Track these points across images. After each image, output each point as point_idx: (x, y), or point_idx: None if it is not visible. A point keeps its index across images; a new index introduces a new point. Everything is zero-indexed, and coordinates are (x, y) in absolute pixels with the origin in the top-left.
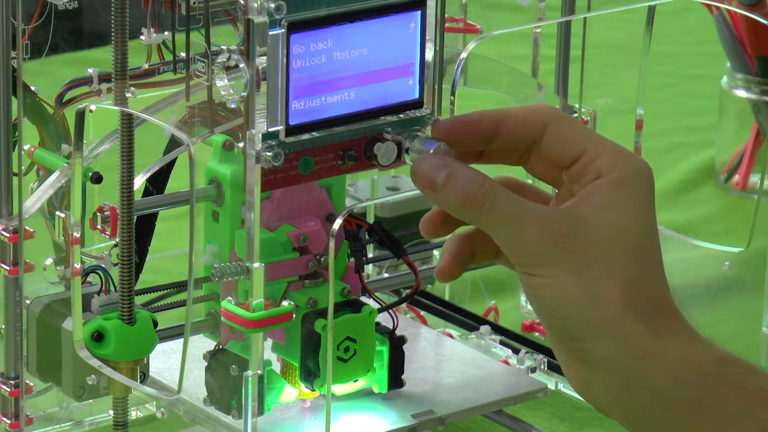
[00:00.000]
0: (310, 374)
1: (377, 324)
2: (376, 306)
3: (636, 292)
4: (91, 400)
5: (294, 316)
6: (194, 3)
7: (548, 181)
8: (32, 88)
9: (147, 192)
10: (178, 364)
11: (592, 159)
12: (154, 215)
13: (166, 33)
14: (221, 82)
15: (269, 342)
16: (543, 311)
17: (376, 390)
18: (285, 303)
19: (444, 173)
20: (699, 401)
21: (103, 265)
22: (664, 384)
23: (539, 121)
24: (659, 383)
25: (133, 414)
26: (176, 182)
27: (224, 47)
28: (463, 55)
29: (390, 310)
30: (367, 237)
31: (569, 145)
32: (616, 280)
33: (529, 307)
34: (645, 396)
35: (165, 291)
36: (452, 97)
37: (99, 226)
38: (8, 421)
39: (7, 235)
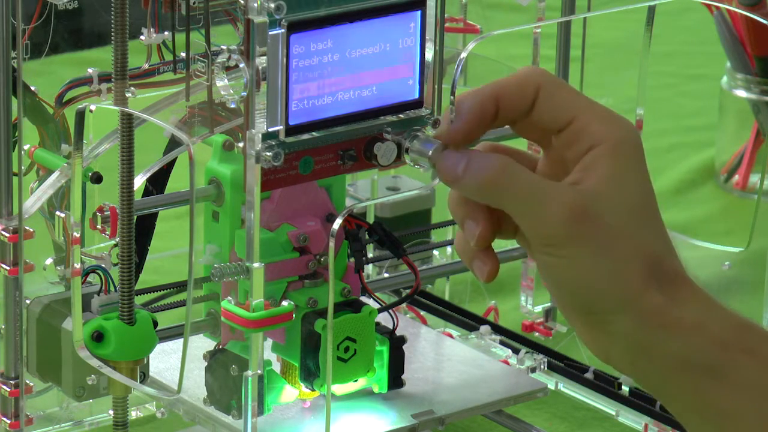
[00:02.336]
0: (310, 374)
1: (377, 324)
2: (376, 306)
3: (655, 264)
4: (91, 400)
5: (294, 316)
6: (194, 3)
7: (536, 141)
8: (32, 88)
9: (147, 192)
10: (178, 364)
11: (583, 126)
12: (154, 215)
13: (166, 33)
14: (221, 82)
15: (269, 342)
16: (561, 290)
17: (376, 390)
18: (285, 303)
19: (463, 164)
20: (716, 368)
21: (103, 265)
22: (681, 351)
23: (532, 86)
24: (676, 351)
25: (133, 414)
26: (176, 182)
27: (224, 47)
28: (463, 55)
29: (390, 310)
30: (367, 237)
31: (560, 111)
32: (638, 255)
33: (529, 306)
34: (662, 362)
35: (165, 291)
36: (452, 97)
37: (99, 226)
38: (8, 421)
39: (7, 235)
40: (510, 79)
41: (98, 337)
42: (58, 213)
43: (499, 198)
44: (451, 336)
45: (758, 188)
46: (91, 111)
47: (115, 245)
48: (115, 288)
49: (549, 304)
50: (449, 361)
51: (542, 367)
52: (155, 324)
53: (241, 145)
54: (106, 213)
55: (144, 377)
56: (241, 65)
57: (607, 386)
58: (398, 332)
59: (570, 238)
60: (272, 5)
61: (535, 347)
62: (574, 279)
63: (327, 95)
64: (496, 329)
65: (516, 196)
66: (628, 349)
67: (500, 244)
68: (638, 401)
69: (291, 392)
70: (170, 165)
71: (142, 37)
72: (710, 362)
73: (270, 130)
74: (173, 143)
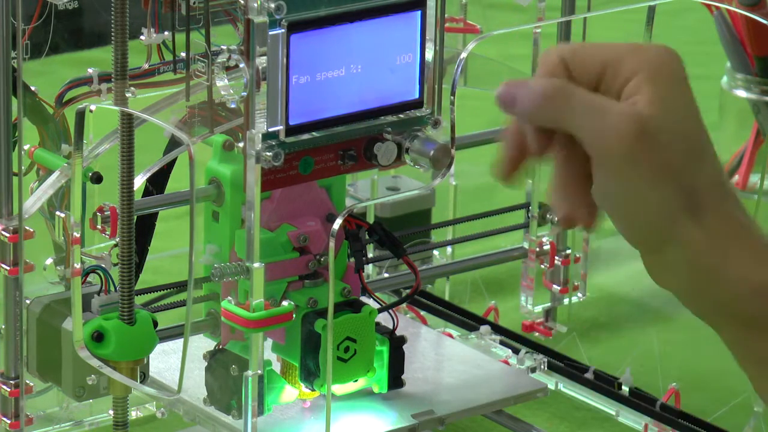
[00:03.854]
0: (310, 374)
1: (377, 324)
2: (376, 306)
3: (696, 196)
4: (91, 400)
5: (294, 316)
6: (194, 3)
7: None
8: (32, 88)
9: (147, 192)
10: (178, 364)
11: (616, 67)
12: (154, 215)
13: (166, 33)
14: (221, 82)
15: (269, 342)
16: (615, 212)
17: (376, 390)
18: (285, 303)
19: (522, 85)
20: (760, 320)
21: (103, 265)
22: (727, 299)
23: (556, 61)
24: (722, 297)
25: (133, 414)
26: (176, 182)
27: (224, 47)
28: (463, 55)
29: (390, 310)
30: (367, 237)
31: (590, 65)
32: (678, 184)
33: (529, 306)
34: (710, 304)
35: (165, 291)
36: (452, 97)
37: (99, 226)
38: (8, 421)
39: (7, 235)
40: (538, 73)
41: (98, 337)
42: (58, 213)
43: (560, 113)
44: (451, 336)
45: (758, 188)
46: (91, 111)
47: (115, 245)
48: (115, 288)
49: (549, 304)
50: (449, 361)
51: (542, 367)
52: (155, 324)
53: (241, 145)
54: (106, 213)
55: (144, 377)
56: (241, 65)
57: (607, 386)
58: (398, 332)
59: (629, 154)
60: (272, 5)
61: (535, 347)
62: (627, 200)
63: (327, 95)
64: (496, 329)
65: (575, 110)
66: (680, 282)
67: (500, 244)
68: (638, 401)
69: (291, 392)
70: (170, 165)
71: (142, 37)
72: (752, 312)
73: (270, 130)
74: (173, 143)
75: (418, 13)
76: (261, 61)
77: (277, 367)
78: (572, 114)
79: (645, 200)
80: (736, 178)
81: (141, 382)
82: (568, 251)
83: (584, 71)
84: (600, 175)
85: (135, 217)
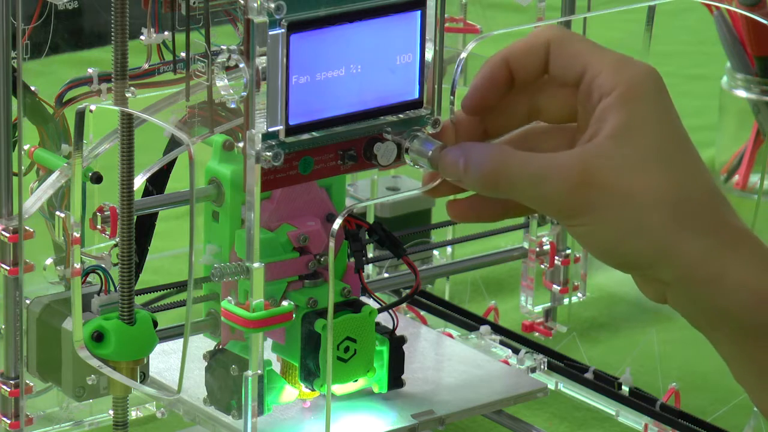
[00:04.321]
0: (310, 374)
1: (377, 324)
2: (376, 306)
3: (685, 210)
4: (91, 400)
5: (294, 316)
6: (194, 3)
7: (566, 118)
8: (32, 88)
9: (147, 192)
10: (178, 364)
11: (594, 76)
12: (154, 215)
13: (166, 33)
14: (221, 82)
15: (269, 342)
16: (596, 253)
17: (376, 390)
18: (285, 303)
19: (462, 161)
20: (758, 328)
21: (103, 265)
22: (726, 307)
23: (542, 43)
24: (723, 307)
25: (133, 414)
26: (176, 182)
27: (224, 47)
28: (463, 55)
29: (390, 310)
30: (367, 237)
31: (572, 64)
32: (660, 204)
33: (529, 306)
34: (710, 314)
35: (165, 291)
36: (452, 97)
37: (99, 226)
38: (8, 421)
39: (7, 235)
40: (519, 41)
41: (98, 337)
42: (58, 213)
43: (503, 191)
44: (451, 336)
45: (758, 188)
46: (91, 111)
47: (115, 245)
48: (115, 288)
49: (549, 304)
50: (449, 361)
51: (542, 367)
52: (155, 324)
53: (241, 145)
54: (106, 213)
55: (144, 377)
56: (241, 65)
57: (607, 386)
58: (398, 332)
59: (581, 207)
60: (272, 5)
61: (535, 347)
62: (603, 242)
63: (327, 95)
64: (496, 329)
65: (516, 185)
66: (677, 298)
67: (500, 244)
68: (638, 401)
69: (291, 392)
70: (170, 165)
71: (142, 37)
72: (757, 321)
73: (270, 130)
74: (173, 143)
75: (418, 13)
76: (261, 61)
77: (277, 367)
78: (513, 188)
79: (617, 233)
80: (736, 178)
81: (141, 382)
82: (568, 251)
83: (565, 66)
84: (567, 228)
85: (135, 217)
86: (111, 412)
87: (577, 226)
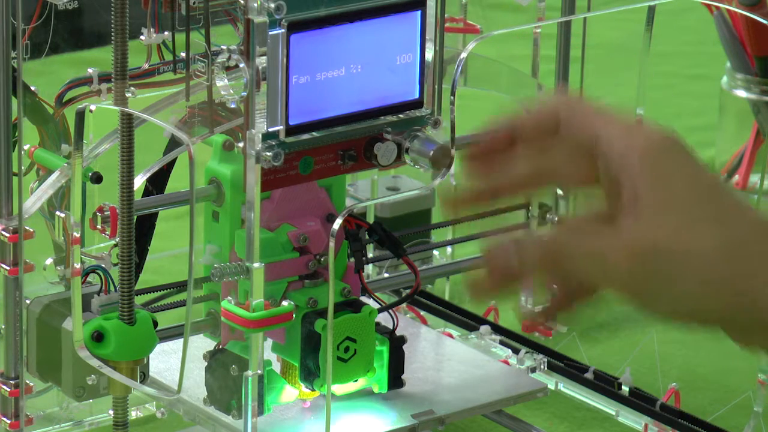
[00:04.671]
0: (310, 374)
1: (377, 324)
2: (376, 306)
3: (733, 248)
4: (91, 400)
5: (294, 316)
6: (194, 3)
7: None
8: (32, 88)
9: (147, 192)
10: (178, 364)
11: (606, 148)
12: (154, 215)
13: (166, 33)
14: (221, 82)
15: (269, 342)
16: (661, 316)
17: (376, 390)
18: (285, 303)
19: (512, 244)
20: None
21: (103, 265)
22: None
23: (551, 116)
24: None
25: (133, 414)
26: (176, 182)
27: (224, 47)
28: (463, 55)
29: (390, 310)
30: (367, 237)
31: (583, 135)
32: (718, 253)
33: (529, 306)
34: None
35: (165, 291)
36: (452, 97)
37: (99, 226)
38: (8, 421)
39: (7, 235)
40: (526, 113)
41: (98, 337)
42: (58, 213)
43: (561, 266)
44: (451, 336)
45: (758, 188)
46: (91, 111)
47: (115, 245)
48: (115, 288)
49: (549, 304)
50: (449, 361)
51: (542, 367)
52: (155, 324)
53: (241, 145)
54: (106, 213)
55: (144, 377)
56: (241, 65)
57: (607, 386)
58: (398, 332)
59: (643, 279)
60: (272, 5)
61: (535, 347)
62: (667, 305)
63: (327, 95)
64: (496, 329)
65: (576, 260)
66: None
67: None
68: (638, 401)
69: (291, 392)
70: (170, 165)
71: (142, 37)
72: None
73: (270, 130)
74: (173, 143)
75: (418, 13)
76: (261, 61)
77: (277, 367)
78: (574, 264)
79: (681, 296)
80: (736, 178)
81: (141, 382)
82: None
83: (576, 135)
84: (633, 303)
85: (135, 217)
86: (111, 412)
87: (638, 295)
